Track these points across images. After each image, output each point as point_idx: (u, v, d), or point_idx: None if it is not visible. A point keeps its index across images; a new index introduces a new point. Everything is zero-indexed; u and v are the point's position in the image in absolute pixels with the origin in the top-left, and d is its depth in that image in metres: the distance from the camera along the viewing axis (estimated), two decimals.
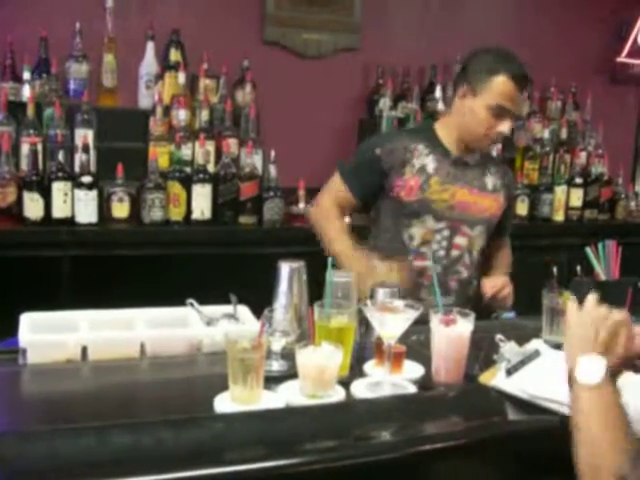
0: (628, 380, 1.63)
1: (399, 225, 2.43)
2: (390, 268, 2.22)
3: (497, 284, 2.42)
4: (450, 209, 2.41)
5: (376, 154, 2.42)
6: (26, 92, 3.23)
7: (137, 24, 3.54)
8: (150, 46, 3.54)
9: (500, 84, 2.30)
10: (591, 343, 1.37)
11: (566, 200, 4.04)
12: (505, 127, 2.34)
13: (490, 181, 2.51)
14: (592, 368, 1.34)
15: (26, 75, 3.25)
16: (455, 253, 2.44)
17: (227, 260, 3.20)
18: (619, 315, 1.41)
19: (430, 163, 2.42)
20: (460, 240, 2.44)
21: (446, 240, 2.42)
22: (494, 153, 3.80)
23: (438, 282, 1.92)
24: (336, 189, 2.49)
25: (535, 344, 1.76)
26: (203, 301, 2.04)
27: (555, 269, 2.36)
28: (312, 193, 3.41)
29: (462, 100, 2.38)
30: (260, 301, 1.83)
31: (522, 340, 1.80)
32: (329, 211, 2.48)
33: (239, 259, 3.20)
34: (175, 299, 2.03)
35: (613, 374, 1.35)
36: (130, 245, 3.15)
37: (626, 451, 1.26)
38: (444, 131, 2.48)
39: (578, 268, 2.36)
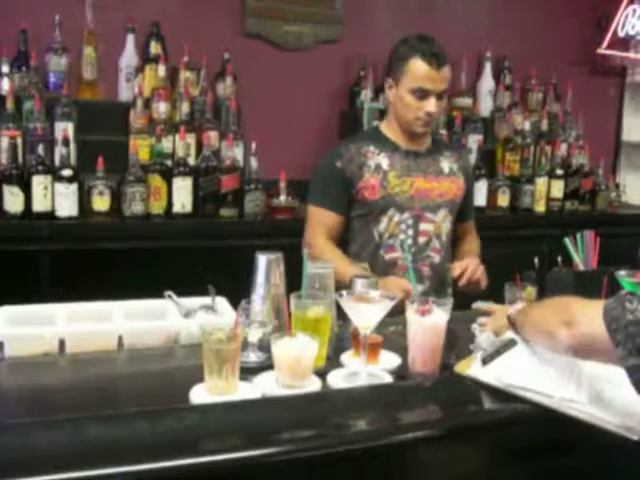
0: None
1: (368, 224, 2.51)
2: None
3: (463, 266, 2.42)
4: (410, 199, 2.50)
5: (338, 167, 2.50)
6: (5, 85, 3.21)
7: (117, 16, 3.52)
8: (130, 38, 3.53)
9: (414, 67, 2.40)
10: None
11: (547, 191, 4.05)
12: (431, 106, 2.42)
13: (446, 165, 2.60)
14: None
15: (5, 68, 3.24)
16: (422, 240, 2.52)
17: (208, 253, 3.20)
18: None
19: (383, 160, 2.51)
20: (425, 226, 2.52)
21: (411, 229, 2.50)
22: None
23: (414, 269, 1.94)
24: (318, 220, 2.53)
25: (511, 333, 1.76)
26: (184, 294, 2.04)
27: (536, 259, 2.38)
28: (293, 185, 3.44)
29: (390, 92, 2.50)
30: (241, 293, 1.83)
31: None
32: (322, 248, 2.45)
33: (220, 252, 3.19)
34: (156, 292, 2.04)
35: None
36: (111, 239, 3.15)
37: None
38: (389, 129, 2.58)
39: (559, 259, 2.38)
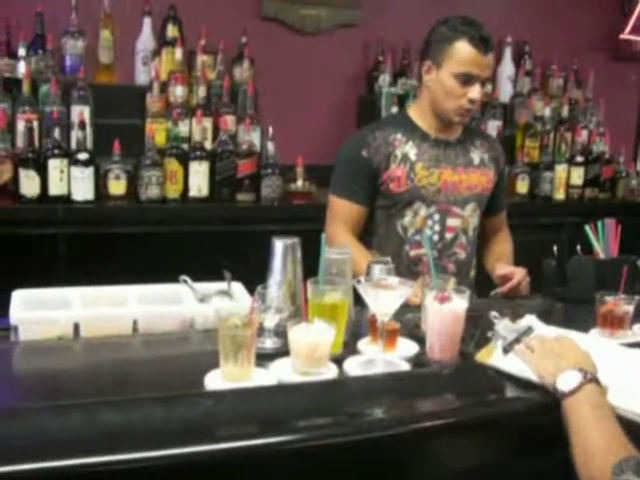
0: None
1: (392, 217, 2.41)
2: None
3: (509, 272, 2.33)
4: (437, 192, 2.39)
5: (364, 156, 2.37)
6: (22, 68, 3.19)
7: None
8: (147, 22, 3.51)
9: (460, 51, 2.26)
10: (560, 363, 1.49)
11: (567, 178, 4.01)
12: (475, 93, 2.28)
13: (476, 155, 2.47)
14: (569, 379, 1.44)
15: (22, 51, 3.22)
16: (449, 235, 2.42)
17: (224, 237, 3.19)
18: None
19: (411, 150, 2.38)
20: (452, 222, 2.41)
21: (438, 224, 2.40)
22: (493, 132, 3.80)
23: (435, 266, 1.89)
24: (342, 214, 2.41)
25: (528, 320, 1.74)
26: (200, 278, 2.02)
27: (555, 247, 2.35)
28: (310, 170, 3.41)
29: (428, 75, 2.35)
30: (257, 278, 1.81)
31: (517, 317, 1.78)
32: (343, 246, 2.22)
33: (236, 236, 3.18)
34: (172, 276, 2.02)
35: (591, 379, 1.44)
36: (127, 222, 3.14)
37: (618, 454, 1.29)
38: (418, 115, 2.44)
39: (578, 247, 2.35)
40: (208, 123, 3.37)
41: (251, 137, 3.40)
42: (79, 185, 3.05)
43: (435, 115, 2.39)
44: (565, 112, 4.13)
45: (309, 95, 3.84)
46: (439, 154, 2.41)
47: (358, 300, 1.80)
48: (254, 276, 1.84)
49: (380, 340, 1.65)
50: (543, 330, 1.71)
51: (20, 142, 3.07)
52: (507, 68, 4.23)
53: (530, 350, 1.56)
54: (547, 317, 1.88)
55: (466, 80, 2.27)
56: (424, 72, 2.36)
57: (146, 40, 3.52)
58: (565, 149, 4.03)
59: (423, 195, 2.38)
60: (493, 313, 1.75)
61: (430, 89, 2.36)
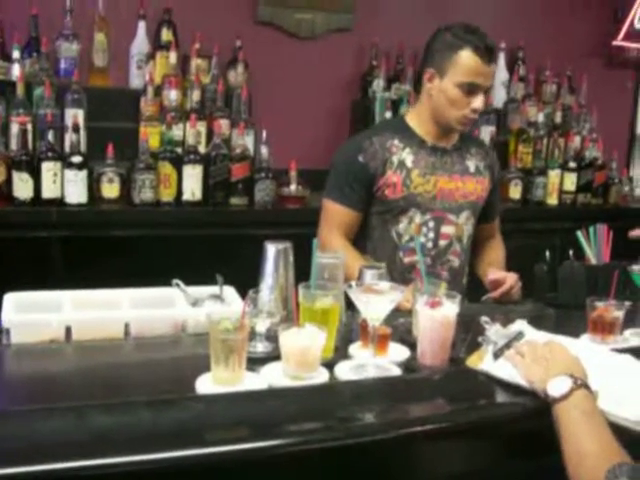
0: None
1: (386, 223, 2.40)
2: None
3: (501, 277, 2.32)
4: (433, 200, 2.38)
5: (360, 162, 2.35)
6: (16, 71, 3.19)
7: (128, 3, 3.50)
8: (141, 25, 3.51)
9: (465, 60, 2.23)
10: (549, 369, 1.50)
11: (560, 184, 4.02)
12: (478, 103, 2.27)
13: (472, 163, 2.47)
14: (559, 384, 1.44)
15: (16, 54, 3.22)
16: (443, 243, 2.41)
17: (217, 241, 3.19)
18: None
19: (407, 157, 2.37)
20: (447, 229, 2.40)
21: (432, 231, 2.39)
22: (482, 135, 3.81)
23: (428, 273, 1.89)
24: (336, 218, 2.40)
25: (519, 325, 1.75)
26: (194, 282, 2.03)
27: (547, 253, 2.36)
28: (304, 174, 3.42)
29: (431, 84, 2.32)
30: (251, 283, 1.81)
31: (508, 322, 1.79)
32: (336, 249, 2.17)
33: (230, 240, 3.18)
34: (164, 280, 2.02)
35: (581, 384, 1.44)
36: (120, 226, 3.13)
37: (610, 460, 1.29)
38: (416, 121, 2.42)
39: (570, 252, 2.36)
40: (202, 127, 3.37)
41: (245, 141, 3.40)
42: (72, 188, 3.04)
43: (435, 122, 2.38)
44: (558, 118, 4.14)
45: (303, 99, 3.84)
46: (435, 161, 2.40)
47: (350, 305, 1.80)
48: (247, 280, 1.84)
49: (371, 345, 1.65)
50: (534, 335, 1.71)
51: (14, 145, 3.07)
52: (501, 74, 4.22)
53: (521, 355, 1.57)
54: (538, 322, 1.88)
55: (470, 90, 2.25)
56: (426, 80, 2.34)
57: (140, 44, 3.51)
58: (558, 155, 4.04)
59: (419, 202, 2.37)
60: (484, 318, 1.75)
61: (433, 97, 2.33)
